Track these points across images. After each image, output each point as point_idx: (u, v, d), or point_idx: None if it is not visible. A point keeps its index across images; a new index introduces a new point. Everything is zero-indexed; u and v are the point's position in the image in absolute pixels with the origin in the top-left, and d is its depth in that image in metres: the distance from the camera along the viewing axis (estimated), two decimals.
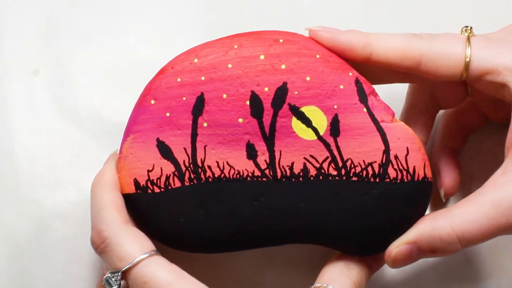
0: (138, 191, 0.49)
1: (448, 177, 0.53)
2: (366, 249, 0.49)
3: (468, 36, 0.48)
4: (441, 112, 0.54)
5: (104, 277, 0.46)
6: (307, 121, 0.49)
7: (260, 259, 0.54)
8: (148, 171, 0.49)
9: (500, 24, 0.51)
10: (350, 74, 0.49)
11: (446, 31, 0.50)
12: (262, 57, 0.49)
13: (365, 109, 0.49)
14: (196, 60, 0.50)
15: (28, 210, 0.54)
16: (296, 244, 0.50)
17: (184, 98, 0.49)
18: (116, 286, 0.45)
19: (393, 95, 0.53)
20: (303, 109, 0.49)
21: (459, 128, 0.54)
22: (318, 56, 0.50)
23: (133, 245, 0.46)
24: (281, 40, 0.50)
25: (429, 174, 0.49)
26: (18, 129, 0.55)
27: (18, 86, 0.56)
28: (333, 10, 0.57)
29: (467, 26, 0.49)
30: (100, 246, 0.46)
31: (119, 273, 0.45)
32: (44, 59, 0.56)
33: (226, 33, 0.52)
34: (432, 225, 0.47)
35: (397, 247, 0.47)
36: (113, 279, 0.45)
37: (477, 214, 0.46)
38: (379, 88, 0.50)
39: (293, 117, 0.49)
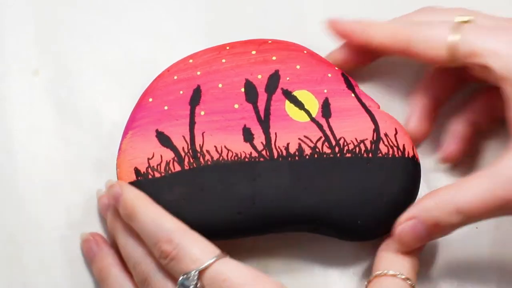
0: (139, 178, 0.50)
1: (454, 147, 0.53)
2: (363, 231, 0.50)
3: (460, 22, 0.51)
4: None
5: (179, 282, 0.46)
6: (299, 104, 0.51)
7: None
8: (148, 159, 0.50)
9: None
10: (336, 68, 0.53)
11: None
12: (253, 52, 0.53)
13: (353, 95, 0.52)
14: (191, 61, 0.53)
15: (28, 209, 0.53)
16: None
17: (181, 92, 0.52)
18: (193, 287, 0.45)
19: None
20: (295, 93, 0.52)
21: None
22: (305, 52, 0.53)
23: (204, 246, 0.46)
24: (269, 41, 0.53)
25: (417, 155, 0.51)
26: (18, 129, 0.54)
27: (18, 86, 0.55)
28: (334, 10, 0.58)
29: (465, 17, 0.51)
30: (172, 253, 0.46)
31: (196, 272, 0.45)
32: (44, 59, 0.56)
33: (227, 33, 0.55)
34: (433, 198, 0.48)
35: (401, 224, 0.49)
36: (189, 280, 0.45)
37: (474, 185, 0.47)
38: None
39: (286, 100, 0.52)
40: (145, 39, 0.56)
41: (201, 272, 0.45)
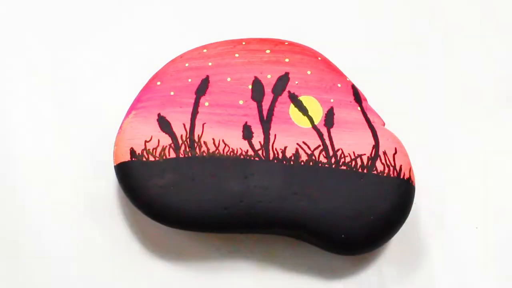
0: (133, 159, 0.50)
1: None
2: (345, 245, 0.50)
3: None
4: None
5: None
6: (303, 110, 0.51)
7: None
8: (146, 141, 0.50)
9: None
10: (347, 79, 0.52)
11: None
12: (268, 51, 0.52)
13: (359, 108, 0.52)
14: (205, 51, 0.53)
15: (28, 209, 0.53)
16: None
17: (189, 80, 0.52)
18: None
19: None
20: (301, 98, 0.51)
21: None
22: (319, 58, 0.53)
23: None
24: (286, 43, 0.53)
25: (413, 178, 0.51)
26: (18, 128, 0.54)
27: (18, 85, 0.55)
28: (333, 12, 0.58)
29: None
30: None
31: None
32: (45, 59, 0.56)
33: (227, 33, 0.55)
34: None
35: None
36: None
37: None
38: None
39: (291, 104, 0.51)
40: (147, 40, 0.56)
41: None
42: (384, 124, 0.52)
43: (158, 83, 0.52)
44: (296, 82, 0.52)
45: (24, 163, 0.54)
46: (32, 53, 0.56)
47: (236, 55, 0.52)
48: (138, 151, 0.50)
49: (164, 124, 0.51)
